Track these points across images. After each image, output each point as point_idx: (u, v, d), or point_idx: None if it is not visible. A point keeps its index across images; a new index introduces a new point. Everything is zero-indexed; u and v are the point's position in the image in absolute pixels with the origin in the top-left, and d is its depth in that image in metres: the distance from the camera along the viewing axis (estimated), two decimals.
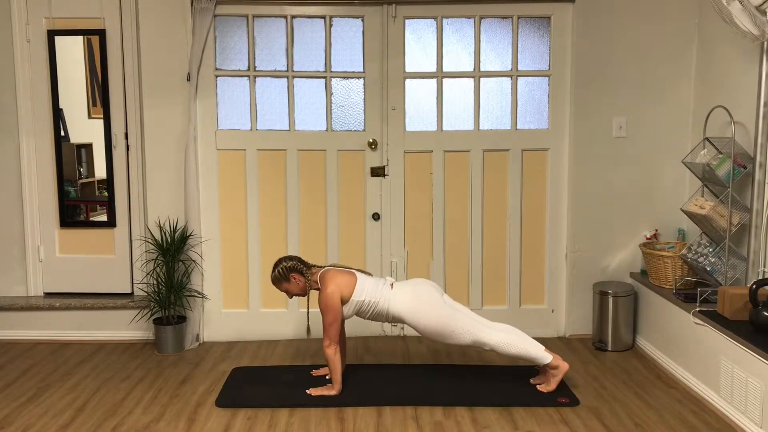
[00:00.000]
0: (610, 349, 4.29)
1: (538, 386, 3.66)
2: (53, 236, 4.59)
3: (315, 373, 3.82)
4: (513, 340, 3.53)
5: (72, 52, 4.48)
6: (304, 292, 3.63)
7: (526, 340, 3.56)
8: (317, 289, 3.58)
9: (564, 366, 3.59)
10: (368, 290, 3.54)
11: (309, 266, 3.63)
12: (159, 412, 3.46)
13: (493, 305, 4.60)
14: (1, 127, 4.49)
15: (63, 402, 3.57)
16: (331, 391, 3.55)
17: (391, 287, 3.58)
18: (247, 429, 3.27)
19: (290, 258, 3.63)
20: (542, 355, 3.55)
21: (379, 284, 3.58)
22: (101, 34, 4.41)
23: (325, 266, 3.68)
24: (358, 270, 3.65)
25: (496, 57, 4.45)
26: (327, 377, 3.73)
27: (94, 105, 4.54)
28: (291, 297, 3.67)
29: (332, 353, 3.50)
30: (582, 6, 4.31)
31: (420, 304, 3.51)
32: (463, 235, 4.54)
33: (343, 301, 3.52)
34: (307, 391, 3.56)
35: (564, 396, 3.57)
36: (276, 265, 3.62)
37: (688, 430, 3.24)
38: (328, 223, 4.51)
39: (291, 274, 3.58)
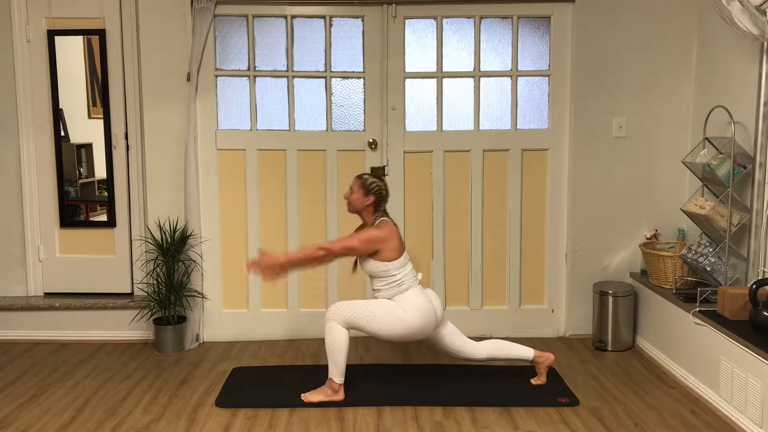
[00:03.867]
0: (610, 349, 4.29)
1: (531, 380, 3.72)
2: (53, 236, 4.59)
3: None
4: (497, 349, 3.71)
5: (72, 52, 4.48)
6: (355, 211, 3.58)
7: (509, 346, 3.74)
8: (368, 224, 3.56)
9: (548, 356, 3.73)
10: (405, 272, 3.53)
11: (385, 209, 3.61)
12: (159, 412, 3.46)
13: (493, 305, 4.60)
14: (1, 127, 4.49)
15: (63, 402, 3.57)
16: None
17: (418, 283, 3.59)
18: (247, 429, 3.27)
19: (386, 188, 3.59)
20: (526, 352, 3.72)
21: (412, 274, 3.58)
22: (101, 34, 4.41)
23: (390, 218, 3.62)
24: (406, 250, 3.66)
25: (496, 57, 4.45)
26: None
27: (94, 105, 4.54)
28: (346, 197, 3.61)
29: (317, 252, 3.46)
30: (582, 6, 4.31)
31: (421, 310, 3.51)
32: (463, 235, 4.54)
33: (380, 258, 3.48)
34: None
35: (564, 396, 3.58)
36: (377, 176, 3.60)
37: (688, 430, 3.24)
38: (328, 223, 4.51)
39: (371, 194, 3.55)
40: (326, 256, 3.51)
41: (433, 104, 4.46)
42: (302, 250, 3.55)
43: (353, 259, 3.68)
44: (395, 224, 3.60)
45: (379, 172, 4.40)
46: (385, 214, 3.62)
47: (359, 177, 3.61)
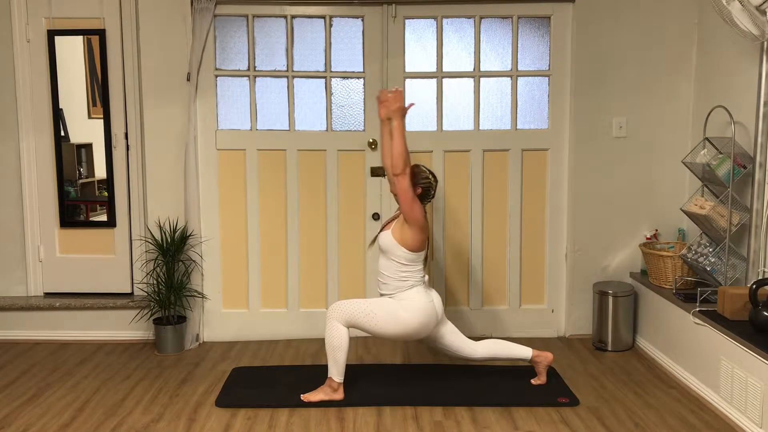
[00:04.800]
0: (610, 349, 4.29)
1: (531, 380, 3.73)
2: (53, 236, 4.59)
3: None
4: (495, 349, 3.71)
5: (72, 52, 4.48)
6: (401, 195, 3.44)
7: (508, 345, 3.74)
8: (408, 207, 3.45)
9: (546, 355, 3.74)
10: (413, 270, 3.52)
11: (425, 203, 3.55)
12: (159, 412, 3.46)
13: (493, 305, 4.60)
14: (1, 127, 4.49)
15: (63, 402, 3.57)
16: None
17: (425, 284, 3.59)
18: (247, 429, 3.27)
19: (435, 186, 3.55)
20: (524, 352, 3.73)
21: (420, 274, 3.56)
22: (101, 34, 4.41)
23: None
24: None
25: (496, 57, 4.45)
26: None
27: (94, 105, 4.54)
28: (390, 178, 3.54)
29: (402, 156, 3.39)
30: (582, 6, 4.31)
31: (422, 309, 3.51)
32: (463, 235, 4.54)
33: (401, 238, 3.46)
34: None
35: (564, 396, 3.58)
36: (431, 171, 3.55)
37: (688, 430, 3.24)
38: (328, 223, 4.51)
39: (420, 187, 3.50)
40: (403, 147, 3.40)
41: (433, 104, 4.46)
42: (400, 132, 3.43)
43: (376, 232, 3.62)
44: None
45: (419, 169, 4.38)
46: (430, 201, 3.61)
47: (416, 165, 3.57)
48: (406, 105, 3.58)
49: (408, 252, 3.48)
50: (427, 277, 3.63)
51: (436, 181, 3.58)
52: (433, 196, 3.62)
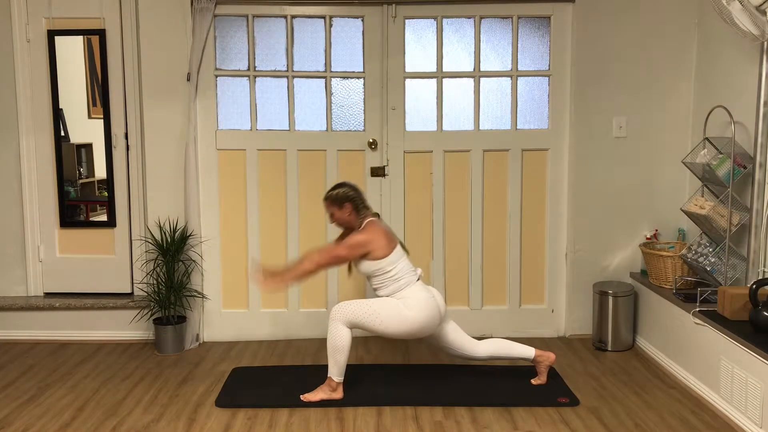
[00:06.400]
0: (610, 349, 4.29)
1: (531, 380, 3.73)
2: (53, 236, 4.59)
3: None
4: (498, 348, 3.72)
5: (72, 52, 4.48)
6: (346, 225, 3.62)
7: (511, 344, 3.74)
8: (355, 228, 3.58)
9: (549, 355, 3.74)
10: (400, 267, 3.53)
11: (367, 206, 3.62)
12: (159, 412, 3.46)
13: (493, 305, 4.60)
14: (1, 127, 4.49)
15: (63, 402, 3.57)
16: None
17: (418, 278, 3.60)
18: (247, 429, 3.27)
19: (353, 188, 3.61)
20: (527, 351, 3.72)
21: (410, 267, 3.59)
22: (101, 34, 4.41)
23: (373, 214, 3.65)
24: (401, 242, 3.65)
25: (496, 57, 4.45)
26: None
27: (94, 105, 4.54)
28: (332, 222, 3.65)
29: (307, 266, 3.50)
30: (582, 6, 4.31)
31: (425, 307, 3.51)
32: (463, 235, 4.54)
33: (371, 258, 3.49)
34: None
35: (564, 396, 3.58)
36: (337, 186, 3.61)
37: (688, 430, 3.24)
38: (328, 224, 4.49)
39: (346, 203, 3.56)
40: (317, 269, 3.53)
41: (433, 104, 4.46)
42: (293, 266, 3.55)
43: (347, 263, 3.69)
44: (381, 220, 3.63)
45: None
46: (370, 212, 3.64)
47: (325, 198, 3.63)
48: (266, 274, 3.57)
49: (383, 260, 3.49)
50: (420, 270, 3.64)
51: (351, 186, 3.61)
52: (360, 192, 3.61)
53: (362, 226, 3.56)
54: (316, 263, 3.51)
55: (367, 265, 3.52)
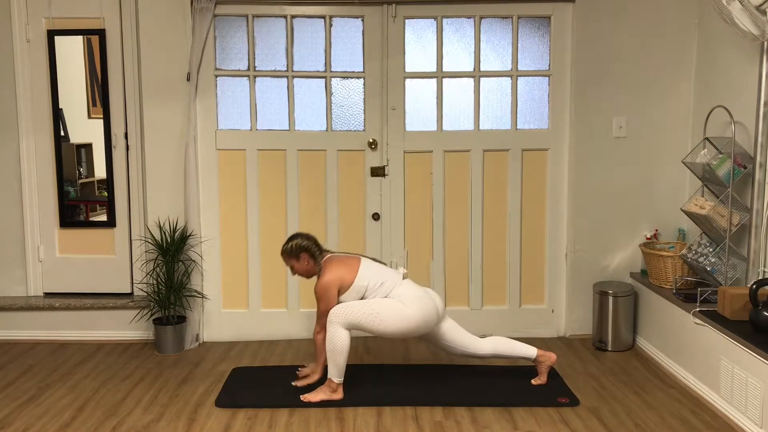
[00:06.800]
0: (610, 349, 4.29)
1: (532, 380, 3.73)
2: (53, 236, 4.58)
3: (298, 383, 3.73)
4: (500, 346, 3.72)
5: (72, 52, 4.48)
6: (308, 275, 3.67)
7: (513, 343, 3.74)
8: (316, 274, 3.63)
9: (550, 355, 3.74)
10: (373, 274, 3.55)
11: (322, 250, 3.67)
12: (159, 412, 3.46)
13: (493, 305, 4.60)
14: (1, 127, 4.49)
15: (63, 402, 3.57)
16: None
17: (404, 276, 3.61)
18: (247, 429, 3.27)
19: (306, 237, 3.65)
20: (529, 351, 3.72)
21: (389, 270, 3.62)
22: (101, 34, 4.40)
23: (329, 253, 3.71)
24: (365, 256, 3.69)
25: (496, 57, 4.45)
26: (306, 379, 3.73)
27: (94, 105, 4.54)
28: (294, 275, 3.70)
29: (321, 339, 3.59)
30: (582, 6, 4.31)
31: (421, 303, 3.51)
32: (463, 235, 4.54)
33: (344, 288, 3.53)
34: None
35: (564, 396, 3.58)
36: (291, 239, 3.65)
37: (688, 430, 3.24)
38: (328, 223, 4.51)
39: (301, 254, 3.61)
40: (324, 327, 3.55)
41: (433, 104, 4.46)
42: (316, 348, 3.68)
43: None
44: (334, 252, 3.72)
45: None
46: (323, 252, 3.68)
47: (282, 253, 3.67)
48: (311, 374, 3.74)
49: (354, 282, 3.53)
50: (402, 269, 3.67)
51: (303, 236, 3.64)
52: (313, 238, 3.66)
53: (321, 270, 3.60)
54: (323, 326, 3.56)
55: (347, 295, 3.56)
